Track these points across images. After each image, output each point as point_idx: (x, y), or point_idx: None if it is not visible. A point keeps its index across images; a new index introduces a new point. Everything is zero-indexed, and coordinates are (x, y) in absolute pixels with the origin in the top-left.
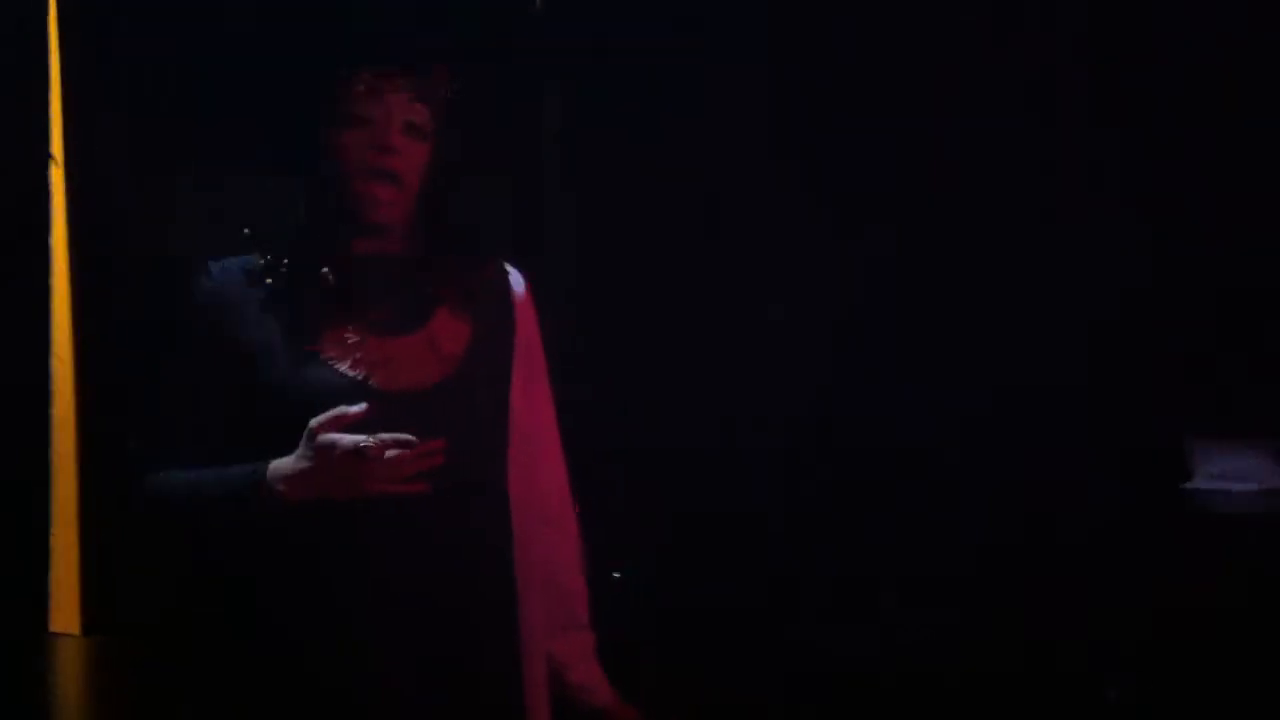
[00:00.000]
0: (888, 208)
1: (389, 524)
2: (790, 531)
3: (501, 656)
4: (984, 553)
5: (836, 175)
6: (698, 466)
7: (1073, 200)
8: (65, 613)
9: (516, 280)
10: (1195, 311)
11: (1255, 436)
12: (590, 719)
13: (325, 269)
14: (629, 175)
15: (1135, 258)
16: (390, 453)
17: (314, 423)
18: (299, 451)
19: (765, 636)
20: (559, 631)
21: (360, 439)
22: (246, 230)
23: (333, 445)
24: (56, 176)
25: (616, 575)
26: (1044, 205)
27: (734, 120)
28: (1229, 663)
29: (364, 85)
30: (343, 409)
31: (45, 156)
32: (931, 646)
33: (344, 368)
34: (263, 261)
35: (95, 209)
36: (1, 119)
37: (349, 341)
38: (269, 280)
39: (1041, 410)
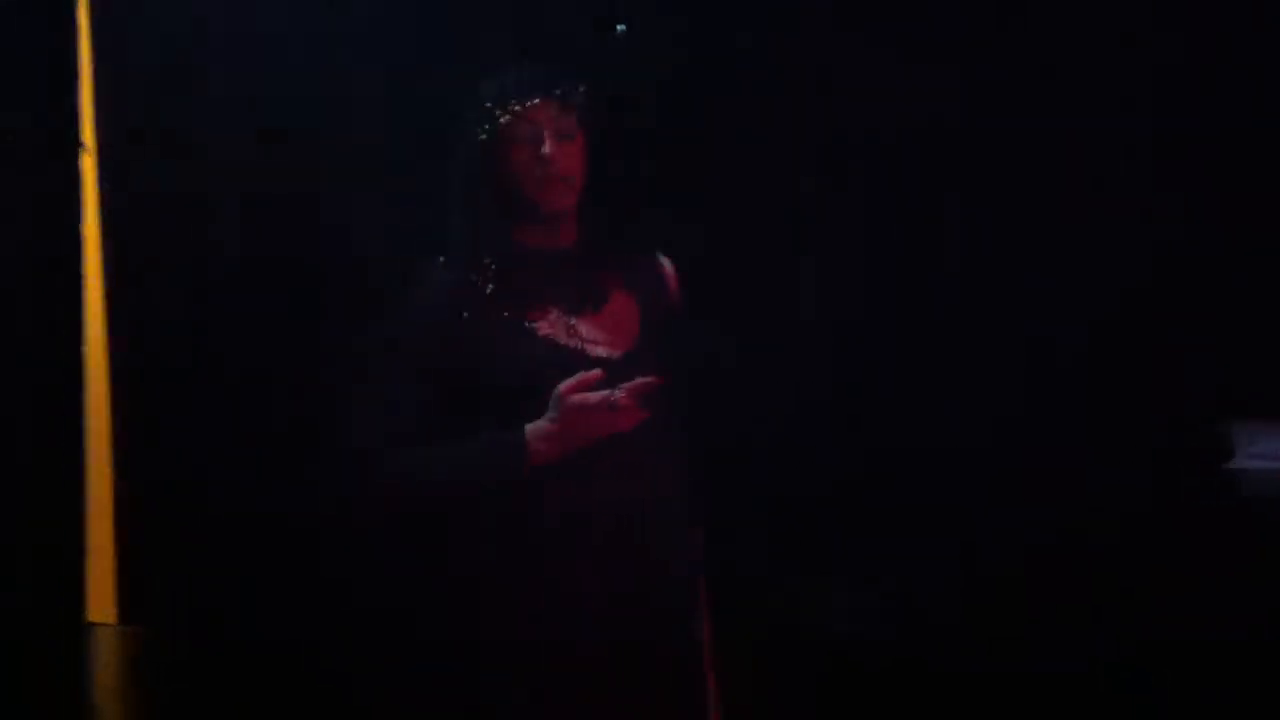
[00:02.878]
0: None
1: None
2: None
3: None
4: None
5: (848, 172)
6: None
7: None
8: (102, 602)
9: (669, 268)
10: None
11: None
12: None
13: (516, 262)
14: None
15: (1158, 237)
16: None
17: (562, 387)
18: (550, 415)
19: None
20: None
21: (609, 393)
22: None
23: (586, 402)
24: (88, 165)
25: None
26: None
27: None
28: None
29: (514, 112)
30: (585, 373)
31: (76, 145)
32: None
33: (559, 340)
34: (453, 264)
35: (128, 198)
36: (32, 107)
37: (556, 318)
38: (472, 279)
39: (1065, 395)
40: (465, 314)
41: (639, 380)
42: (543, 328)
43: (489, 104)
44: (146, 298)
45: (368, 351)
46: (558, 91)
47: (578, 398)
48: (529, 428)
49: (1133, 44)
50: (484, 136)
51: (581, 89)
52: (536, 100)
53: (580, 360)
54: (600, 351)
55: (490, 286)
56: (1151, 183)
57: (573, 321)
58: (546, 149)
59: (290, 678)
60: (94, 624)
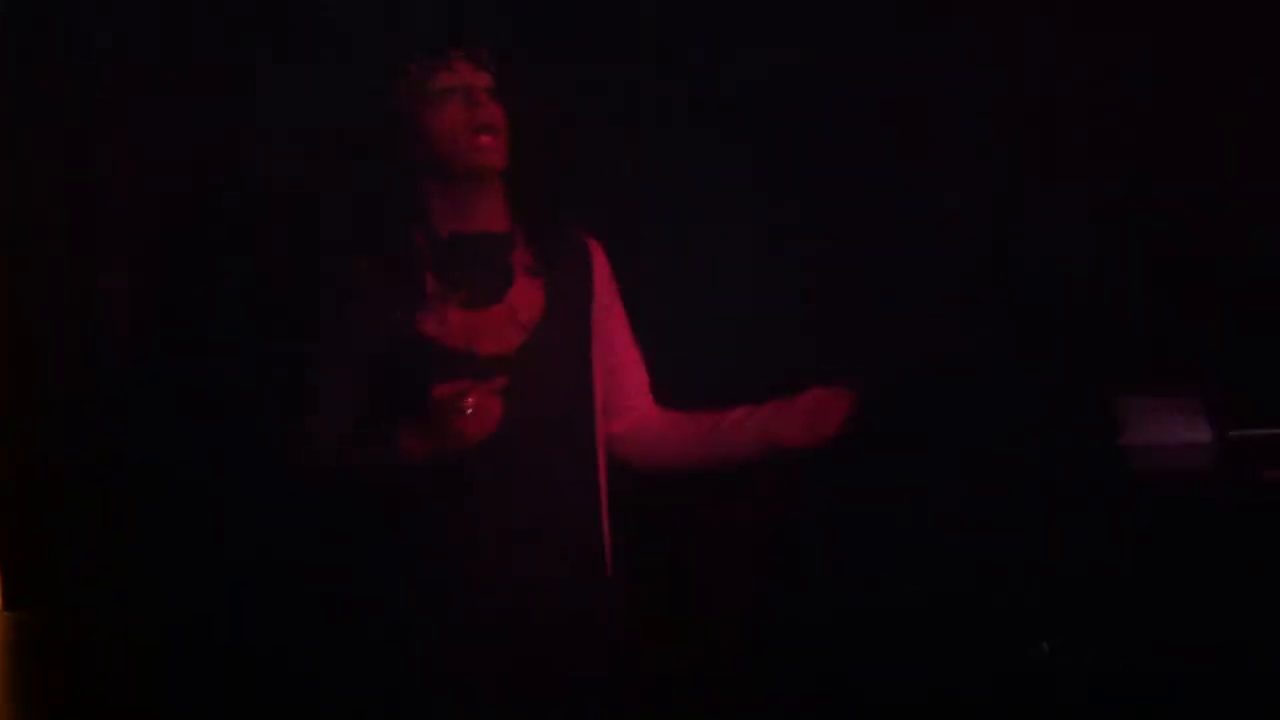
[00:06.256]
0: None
1: (479, 477)
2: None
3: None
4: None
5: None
6: None
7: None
8: None
9: (594, 249)
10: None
11: (1179, 393)
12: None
13: (419, 250)
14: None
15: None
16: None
17: (436, 391)
18: (420, 414)
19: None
20: None
21: (460, 393)
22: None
23: (444, 403)
24: None
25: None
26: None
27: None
28: (1158, 610)
29: (443, 65)
30: (461, 383)
31: None
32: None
33: (442, 340)
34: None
35: (7, 174)
36: None
37: (443, 317)
38: (367, 268)
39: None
40: (356, 315)
41: (489, 381)
42: (431, 326)
43: (406, 66)
44: (25, 277)
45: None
46: (471, 50)
47: (442, 397)
48: (401, 425)
49: None
50: (404, 95)
51: (489, 54)
52: (457, 55)
53: (464, 361)
54: (489, 349)
55: (386, 284)
56: (1046, 166)
57: (466, 316)
58: (473, 95)
59: (177, 661)
60: None
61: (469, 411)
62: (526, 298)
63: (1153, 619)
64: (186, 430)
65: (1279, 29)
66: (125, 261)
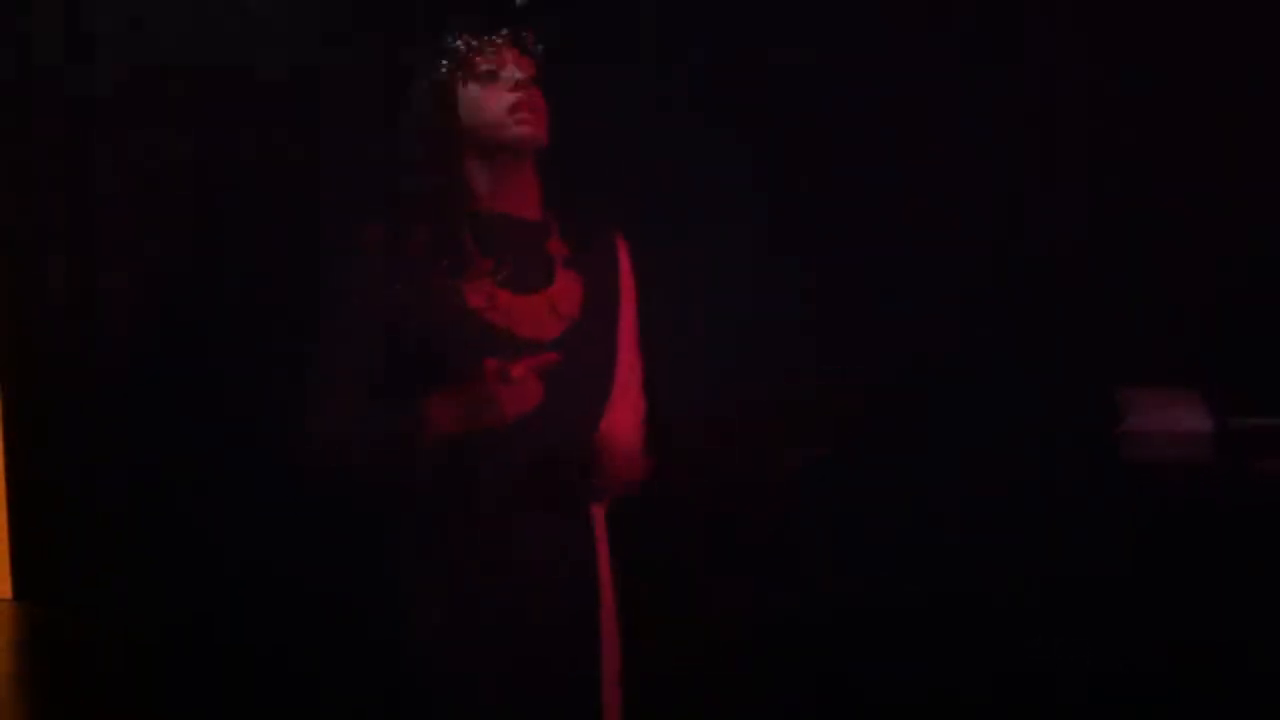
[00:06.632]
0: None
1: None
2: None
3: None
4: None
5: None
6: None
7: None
8: None
9: (621, 248)
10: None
11: (1178, 384)
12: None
13: (465, 225)
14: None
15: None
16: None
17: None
18: (455, 384)
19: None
20: None
21: (504, 364)
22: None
23: (492, 373)
24: None
25: None
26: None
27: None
28: (1153, 602)
29: (478, 46)
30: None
31: None
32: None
33: (486, 315)
34: (401, 223)
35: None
36: None
37: (490, 291)
38: (413, 238)
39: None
40: (397, 283)
41: (537, 356)
42: (473, 299)
43: (449, 40)
44: (29, 275)
45: (306, 325)
46: (521, 36)
47: (492, 366)
48: (433, 397)
49: None
50: (445, 71)
51: (540, 47)
52: (500, 39)
53: (504, 339)
54: (528, 333)
55: (427, 250)
56: (1047, 156)
57: (507, 296)
58: (517, 75)
59: (187, 654)
60: None
61: (515, 384)
62: (566, 290)
63: (1153, 617)
64: (200, 418)
65: (1279, 29)
66: (140, 238)
